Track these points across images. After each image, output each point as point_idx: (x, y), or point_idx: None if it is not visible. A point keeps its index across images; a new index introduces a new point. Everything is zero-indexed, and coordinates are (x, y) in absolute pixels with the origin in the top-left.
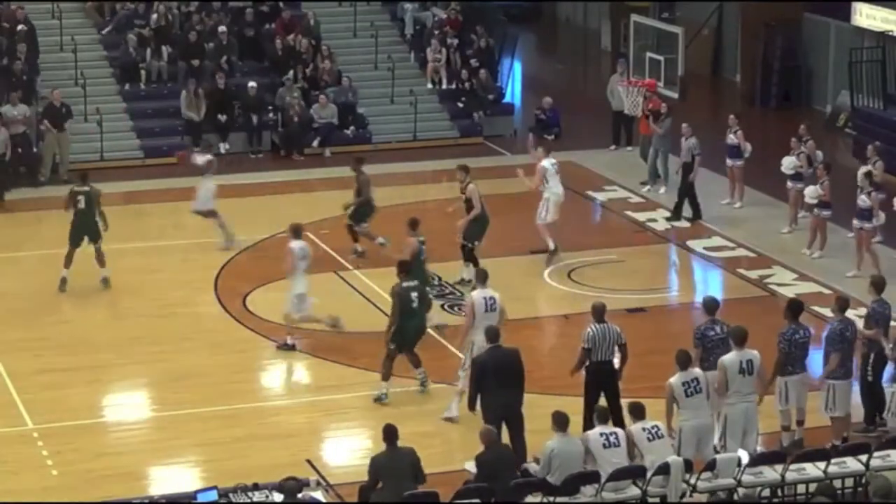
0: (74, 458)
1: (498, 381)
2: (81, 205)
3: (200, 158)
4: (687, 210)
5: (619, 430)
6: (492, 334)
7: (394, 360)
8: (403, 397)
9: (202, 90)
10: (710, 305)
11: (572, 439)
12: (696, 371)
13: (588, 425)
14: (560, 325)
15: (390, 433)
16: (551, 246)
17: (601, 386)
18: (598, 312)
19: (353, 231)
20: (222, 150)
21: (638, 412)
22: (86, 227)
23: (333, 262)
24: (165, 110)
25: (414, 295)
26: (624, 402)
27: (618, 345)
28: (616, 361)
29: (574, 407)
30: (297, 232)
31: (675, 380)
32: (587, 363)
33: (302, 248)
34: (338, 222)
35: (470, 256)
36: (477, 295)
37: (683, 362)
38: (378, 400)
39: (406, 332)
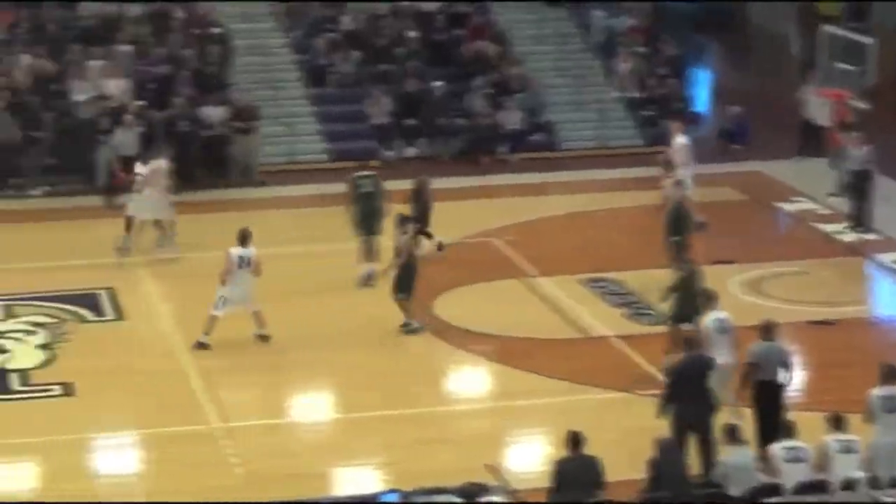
0: (258, 457)
1: (691, 391)
2: (365, 189)
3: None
4: (856, 217)
5: (803, 445)
6: (692, 342)
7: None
8: (585, 405)
9: (390, 94)
10: None
11: (743, 451)
12: None
13: (760, 440)
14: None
15: (576, 439)
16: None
17: (766, 402)
18: (766, 330)
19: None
20: (409, 155)
21: (836, 423)
22: (368, 217)
23: (516, 269)
24: (353, 114)
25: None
26: (820, 415)
27: (784, 364)
28: (783, 379)
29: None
30: (242, 239)
31: (876, 392)
32: (752, 379)
33: (241, 255)
34: (522, 228)
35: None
36: (706, 319)
37: (886, 376)
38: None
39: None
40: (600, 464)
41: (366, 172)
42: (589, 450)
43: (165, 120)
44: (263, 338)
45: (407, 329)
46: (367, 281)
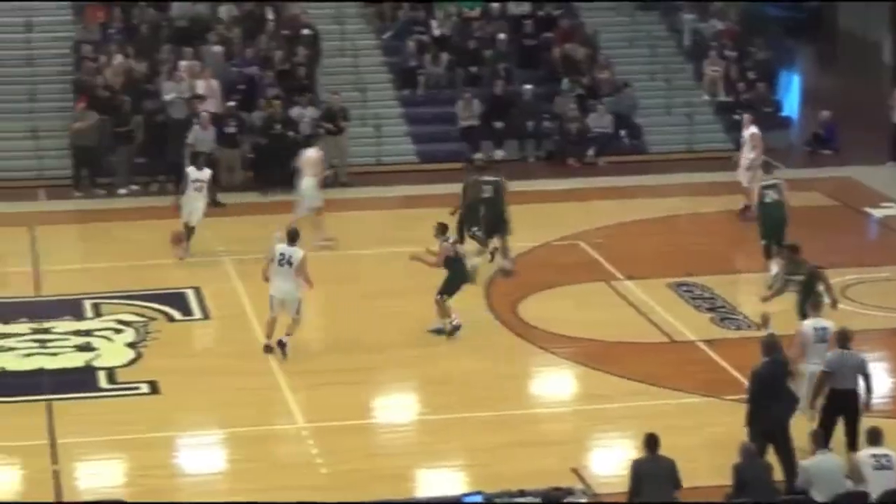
0: (343, 458)
1: (771, 395)
2: (487, 194)
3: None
4: None
5: (890, 453)
6: (767, 346)
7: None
8: (670, 410)
9: (479, 97)
10: None
11: (830, 457)
12: None
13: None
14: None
15: (652, 441)
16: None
17: (840, 411)
18: (842, 338)
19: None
20: (497, 157)
21: (874, 438)
22: (493, 219)
23: (603, 272)
24: (442, 116)
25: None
26: None
27: (862, 374)
28: (860, 390)
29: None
30: (290, 237)
31: None
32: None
33: (284, 252)
34: (610, 231)
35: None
36: (807, 325)
37: None
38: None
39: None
40: (676, 465)
41: (489, 178)
42: (673, 454)
43: (259, 121)
44: (281, 345)
45: (434, 330)
46: (508, 270)
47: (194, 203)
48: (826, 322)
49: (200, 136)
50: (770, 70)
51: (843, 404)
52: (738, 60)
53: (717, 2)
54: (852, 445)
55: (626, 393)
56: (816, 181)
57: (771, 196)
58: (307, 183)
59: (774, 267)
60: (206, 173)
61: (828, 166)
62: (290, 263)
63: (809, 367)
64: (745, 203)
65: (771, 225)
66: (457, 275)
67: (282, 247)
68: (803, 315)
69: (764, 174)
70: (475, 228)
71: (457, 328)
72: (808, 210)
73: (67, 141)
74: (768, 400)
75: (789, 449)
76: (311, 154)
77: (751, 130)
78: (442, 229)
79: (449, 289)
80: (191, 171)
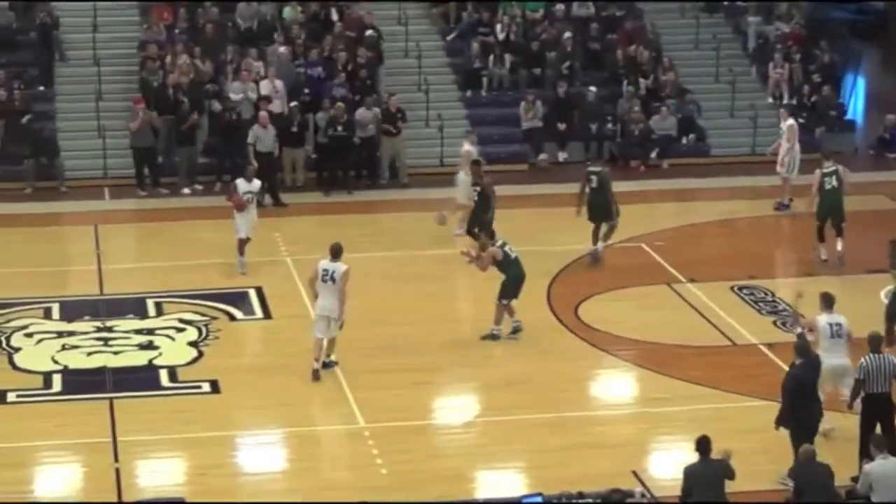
0: (403, 458)
1: (807, 397)
2: (594, 184)
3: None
4: None
5: None
6: (801, 349)
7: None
8: (731, 413)
9: (542, 99)
10: None
11: (893, 462)
12: None
13: (864, 455)
14: None
15: (704, 444)
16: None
17: (876, 417)
18: (874, 342)
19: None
20: (560, 159)
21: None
22: (598, 207)
23: (665, 274)
24: (505, 118)
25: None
26: None
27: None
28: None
29: None
30: (333, 253)
31: None
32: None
33: (326, 268)
34: (672, 234)
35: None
36: (822, 320)
37: None
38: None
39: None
40: (730, 468)
41: (596, 168)
42: (733, 458)
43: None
44: (326, 365)
45: (488, 336)
46: (595, 259)
47: (245, 215)
48: (840, 318)
49: (261, 136)
50: (835, 73)
51: (878, 408)
52: (803, 63)
53: (783, 2)
54: (893, 450)
55: (687, 396)
56: (882, 184)
57: (831, 183)
58: (461, 178)
59: (823, 250)
60: (256, 185)
61: (893, 170)
62: (332, 279)
63: (826, 362)
64: (781, 200)
65: (828, 210)
66: (514, 277)
67: (324, 263)
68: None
69: (825, 161)
70: (476, 229)
71: (517, 330)
72: (873, 213)
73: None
74: (806, 400)
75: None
76: (467, 148)
77: (788, 122)
78: (490, 234)
79: (508, 293)
80: (240, 183)
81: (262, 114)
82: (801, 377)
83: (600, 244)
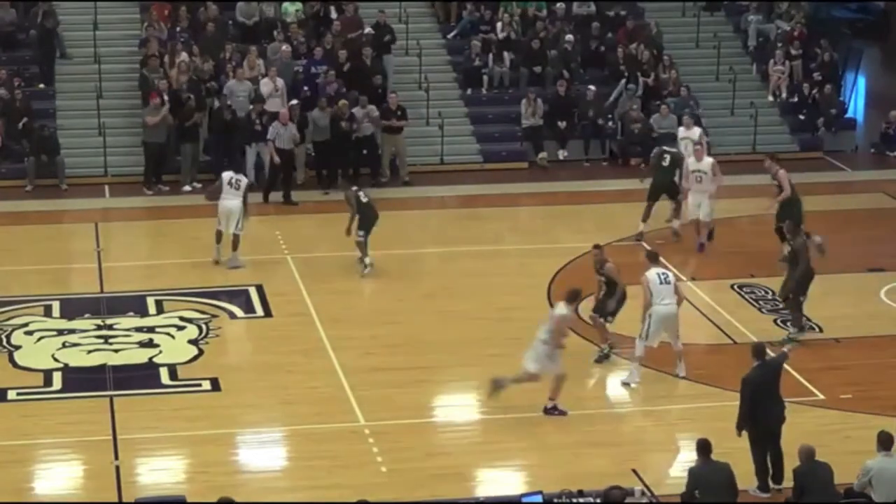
0: (404, 456)
1: (768, 398)
2: (666, 163)
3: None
4: None
5: None
6: (758, 350)
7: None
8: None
9: (542, 97)
10: None
11: (893, 460)
12: None
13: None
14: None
15: (704, 446)
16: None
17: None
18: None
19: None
20: (560, 157)
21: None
22: (664, 186)
23: None
24: (506, 116)
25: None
26: None
27: None
28: None
29: None
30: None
31: None
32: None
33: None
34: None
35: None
36: (651, 273)
37: None
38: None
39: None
40: (731, 470)
41: (669, 149)
42: (733, 458)
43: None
44: None
45: (599, 357)
46: (677, 232)
47: (219, 206)
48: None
49: (281, 132)
50: (835, 71)
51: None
52: (804, 61)
53: (784, 0)
54: None
55: (688, 395)
56: (882, 183)
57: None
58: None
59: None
60: (243, 181)
61: (894, 168)
62: None
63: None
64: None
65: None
66: (616, 295)
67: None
68: None
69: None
70: (361, 233)
71: (608, 355)
72: (873, 212)
73: (133, 138)
74: (764, 404)
75: (779, 449)
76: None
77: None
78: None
79: (613, 309)
80: (225, 174)
81: (283, 111)
82: (756, 381)
83: (675, 222)
